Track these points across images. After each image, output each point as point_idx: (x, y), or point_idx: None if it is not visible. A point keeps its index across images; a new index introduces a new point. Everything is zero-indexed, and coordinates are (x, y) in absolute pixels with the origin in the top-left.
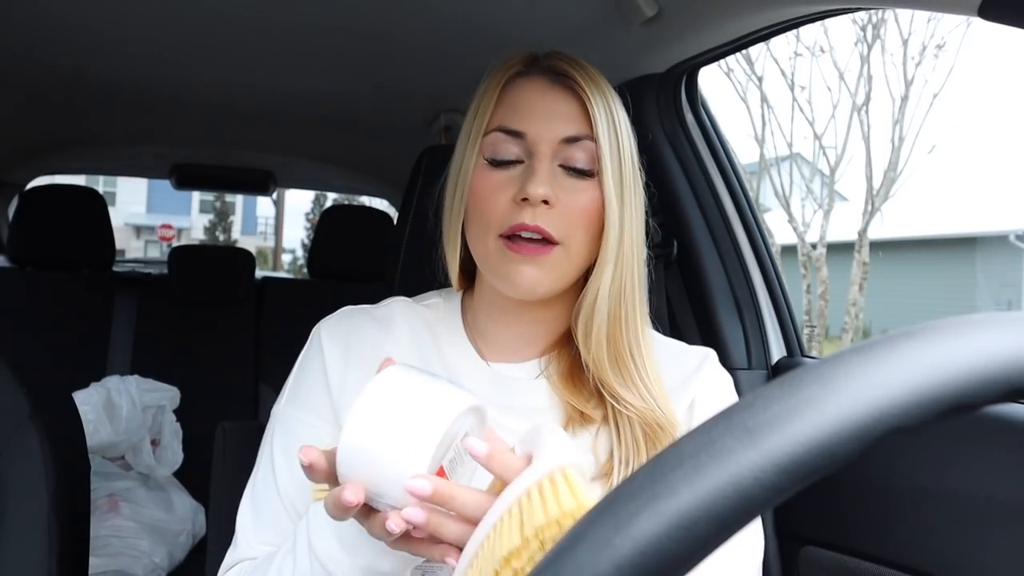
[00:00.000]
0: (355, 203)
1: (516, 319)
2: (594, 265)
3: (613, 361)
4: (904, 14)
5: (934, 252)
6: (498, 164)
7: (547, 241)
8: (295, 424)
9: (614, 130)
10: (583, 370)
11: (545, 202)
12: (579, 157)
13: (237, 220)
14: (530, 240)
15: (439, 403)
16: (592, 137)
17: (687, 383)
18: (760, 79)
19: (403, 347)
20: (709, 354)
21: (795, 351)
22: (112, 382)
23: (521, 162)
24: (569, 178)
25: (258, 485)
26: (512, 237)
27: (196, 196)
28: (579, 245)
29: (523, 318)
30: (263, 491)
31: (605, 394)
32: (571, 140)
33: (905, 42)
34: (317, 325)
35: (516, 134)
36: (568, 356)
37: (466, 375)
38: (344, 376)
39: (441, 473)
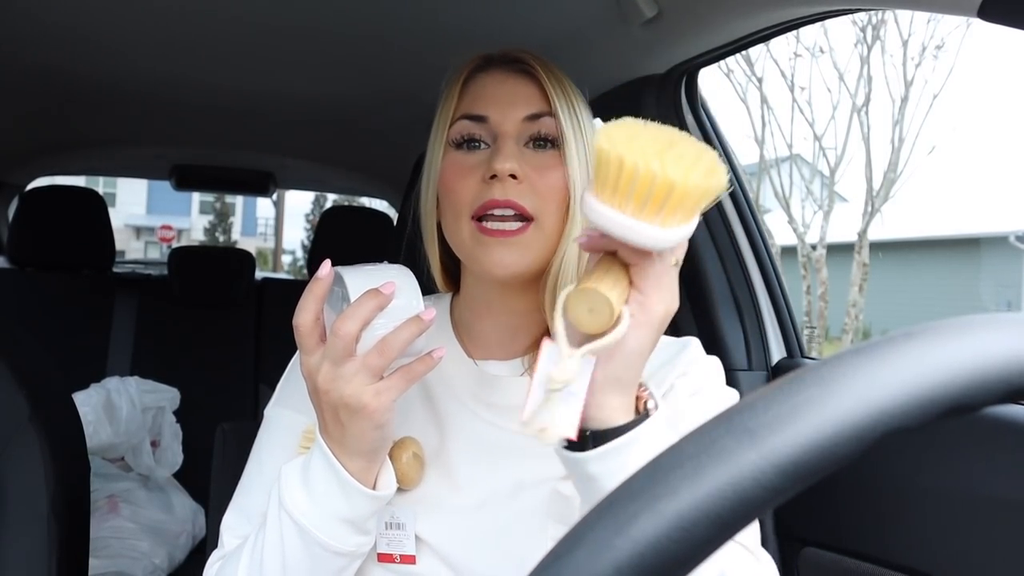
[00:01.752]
0: (355, 204)
1: (499, 313)
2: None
3: None
4: (904, 15)
5: (934, 253)
6: (464, 147)
7: (520, 218)
8: (283, 420)
9: (573, 110)
10: None
11: (513, 177)
12: (543, 131)
13: (237, 221)
14: (503, 219)
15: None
16: (552, 113)
17: (668, 364)
18: (760, 80)
19: None
20: (691, 340)
21: (795, 352)
22: (112, 383)
23: (488, 147)
24: (536, 155)
25: (245, 482)
26: (485, 219)
27: (196, 197)
28: (553, 222)
29: (506, 310)
30: (249, 488)
31: None
32: (532, 117)
33: (905, 43)
34: None
35: (479, 118)
36: None
37: (453, 373)
38: None
39: None
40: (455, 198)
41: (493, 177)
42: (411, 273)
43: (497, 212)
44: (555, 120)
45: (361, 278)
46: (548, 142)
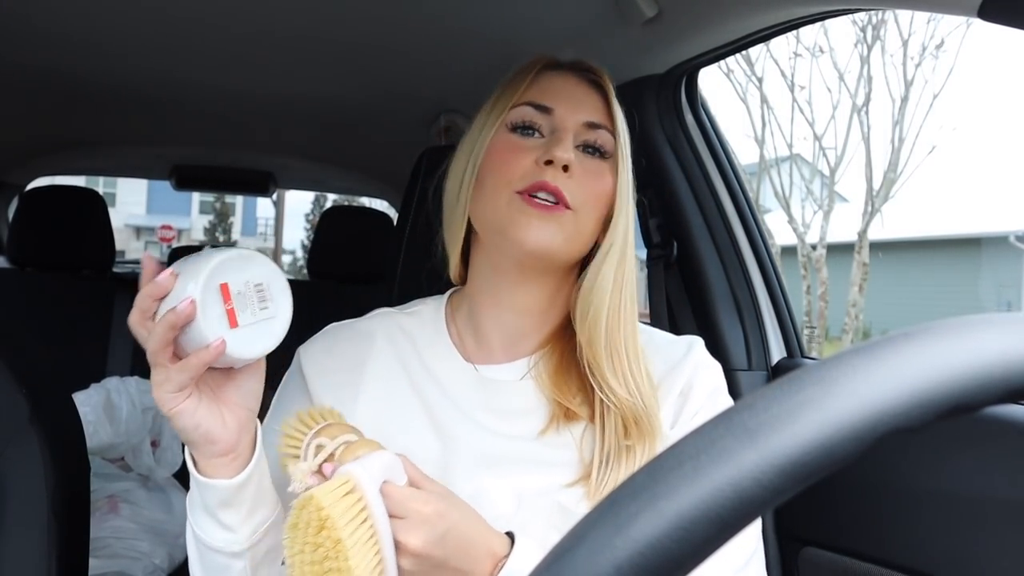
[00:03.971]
0: (355, 204)
1: (507, 308)
2: (594, 252)
3: (608, 347)
4: (904, 15)
5: (934, 253)
6: (522, 131)
7: (561, 205)
8: (273, 437)
9: (624, 130)
10: (572, 365)
11: (566, 169)
12: (598, 141)
13: (237, 221)
14: (545, 201)
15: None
16: (611, 129)
17: (675, 370)
18: (760, 80)
19: (384, 357)
20: (695, 341)
21: (795, 352)
22: (112, 383)
23: (543, 137)
24: (587, 159)
25: None
26: (527, 195)
27: (196, 197)
28: (588, 219)
29: (513, 306)
30: None
31: (593, 382)
32: (592, 126)
33: (905, 43)
34: (299, 348)
35: (545, 109)
36: (559, 350)
37: (451, 379)
38: (326, 392)
39: (229, 303)
40: (504, 170)
41: (548, 163)
42: (221, 258)
43: (542, 196)
44: (614, 136)
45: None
46: (598, 151)
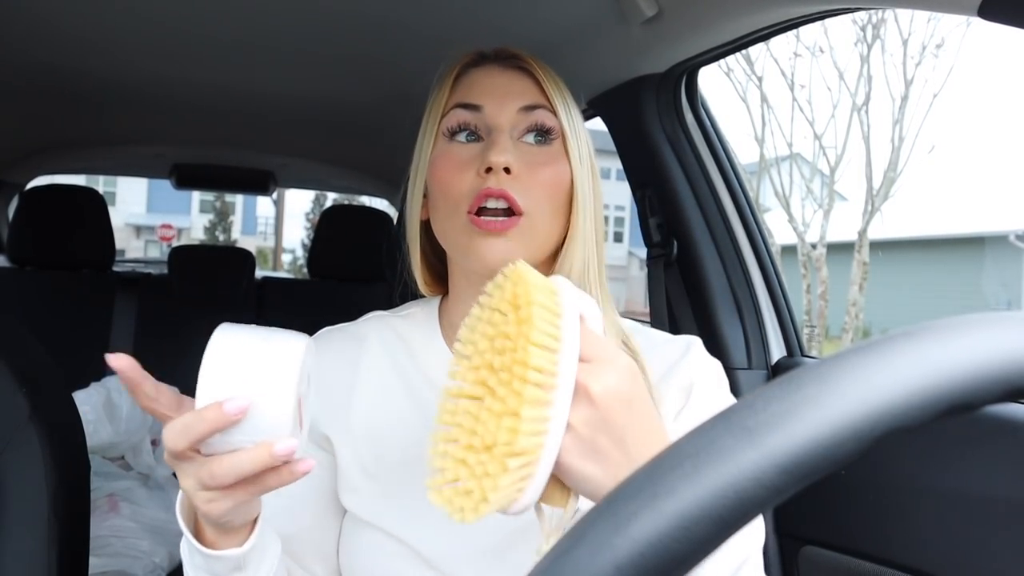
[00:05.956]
0: (355, 203)
1: None
2: (562, 246)
3: None
4: (904, 14)
5: (934, 252)
6: (458, 137)
7: (510, 212)
8: None
9: (568, 107)
10: None
11: (507, 171)
12: (538, 122)
13: (237, 220)
14: (494, 212)
15: (283, 348)
16: (549, 107)
17: (675, 369)
18: (760, 79)
19: (377, 360)
20: (694, 341)
21: (795, 351)
22: (112, 382)
23: (482, 139)
24: (531, 149)
25: None
26: (479, 212)
27: (196, 196)
28: (544, 219)
29: None
30: None
31: None
32: (528, 108)
33: (905, 42)
34: None
35: (474, 107)
36: None
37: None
38: (320, 396)
39: (300, 411)
40: (450, 191)
41: (488, 170)
42: (301, 363)
43: (491, 204)
44: (554, 114)
45: (217, 379)
46: (546, 134)
